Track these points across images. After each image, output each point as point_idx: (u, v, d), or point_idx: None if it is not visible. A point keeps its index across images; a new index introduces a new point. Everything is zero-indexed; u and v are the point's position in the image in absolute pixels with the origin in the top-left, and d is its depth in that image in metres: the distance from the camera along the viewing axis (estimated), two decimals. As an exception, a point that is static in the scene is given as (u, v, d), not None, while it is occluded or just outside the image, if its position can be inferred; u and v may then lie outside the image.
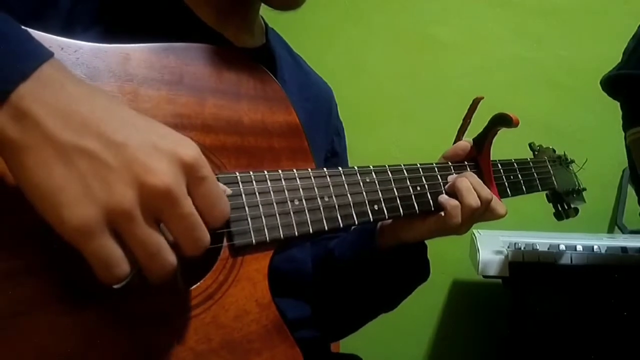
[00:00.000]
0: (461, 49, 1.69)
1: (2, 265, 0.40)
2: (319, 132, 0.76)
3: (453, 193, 0.65)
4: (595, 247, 1.26)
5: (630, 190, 1.56)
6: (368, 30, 1.73)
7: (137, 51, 0.50)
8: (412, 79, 1.71)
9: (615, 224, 1.62)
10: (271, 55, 0.71)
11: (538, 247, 1.27)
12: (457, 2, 1.70)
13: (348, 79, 1.67)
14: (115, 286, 0.39)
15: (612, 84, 0.85)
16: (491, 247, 1.29)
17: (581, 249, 1.25)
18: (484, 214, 0.66)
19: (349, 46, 1.72)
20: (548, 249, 1.27)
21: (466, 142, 0.72)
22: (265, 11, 0.70)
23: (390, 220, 0.68)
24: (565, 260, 1.22)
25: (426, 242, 0.72)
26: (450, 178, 0.67)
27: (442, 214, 0.64)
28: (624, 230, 1.58)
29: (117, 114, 0.39)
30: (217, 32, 0.64)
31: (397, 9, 1.72)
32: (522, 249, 1.27)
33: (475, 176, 0.66)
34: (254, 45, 0.70)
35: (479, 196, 0.64)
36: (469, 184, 0.65)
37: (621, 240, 1.38)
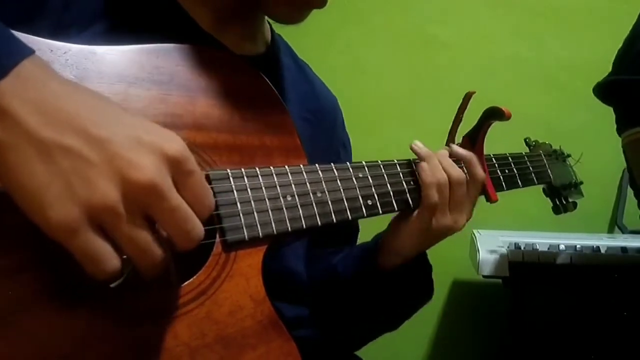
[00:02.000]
0: (461, 49, 1.69)
1: (-1, 263, 0.40)
2: (320, 143, 0.75)
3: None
4: (595, 247, 1.25)
5: (630, 190, 1.56)
6: (368, 30, 1.72)
7: (126, 52, 0.51)
8: (412, 79, 1.71)
9: (615, 224, 1.61)
10: (274, 63, 0.70)
11: (538, 247, 1.27)
12: (457, 2, 1.70)
13: (348, 79, 1.67)
14: (112, 285, 0.40)
15: (604, 91, 0.86)
16: (491, 247, 1.28)
17: (581, 249, 1.24)
18: (469, 190, 0.66)
19: (349, 46, 1.72)
20: (548, 249, 1.26)
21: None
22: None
23: (387, 234, 0.68)
24: (565, 260, 1.21)
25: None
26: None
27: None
28: (624, 230, 1.57)
29: (101, 110, 0.39)
30: (214, 38, 0.63)
31: (397, 9, 1.72)
32: (522, 248, 1.26)
33: (442, 155, 0.66)
34: (256, 52, 0.69)
35: (447, 173, 0.64)
36: (437, 162, 0.64)
37: (621, 240, 1.37)
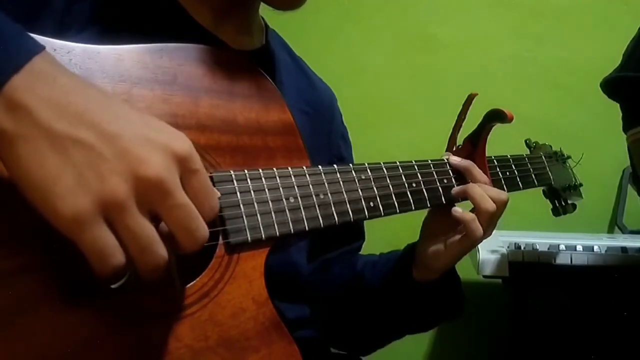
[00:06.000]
0: (461, 49, 1.69)
1: (1, 263, 0.40)
2: (320, 136, 0.76)
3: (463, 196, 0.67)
4: (595, 247, 1.25)
5: (630, 190, 1.57)
6: (368, 30, 1.73)
7: (130, 52, 0.51)
8: (412, 79, 1.71)
9: (615, 224, 1.61)
10: (270, 57, 0.70)
11: (538, 247, 1.27)
12: (457, 2, 1.70)
13: (348, 79, 1.67)
14: (113, 286, 0.40)
15: (611, 87, 0.86)
16: (491, 247, 1.28)
17: (581, 249, 1.24)
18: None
19: (349, 46, 1.72)
20: (548, 249, 1.26)
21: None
22: (265, 11, 0.70)
23: (420, 251, 0.69)
24: (565, 260, 1.21)
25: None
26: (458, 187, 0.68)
27: (461, 230, 0.65)
28: (624, 230, 1.57)
29: (111, 106, 0.39)
30: (212, 34, 0.64)
31: (397, 9, 1.72)
32: (522, 248, 1.26)
33: (484, 177, 0.67)
34: (252, 47, 0.69)
35: (493, 199, 0.65)
36: (482, 191, 0.65)
37: (621, 240, 1.37)
